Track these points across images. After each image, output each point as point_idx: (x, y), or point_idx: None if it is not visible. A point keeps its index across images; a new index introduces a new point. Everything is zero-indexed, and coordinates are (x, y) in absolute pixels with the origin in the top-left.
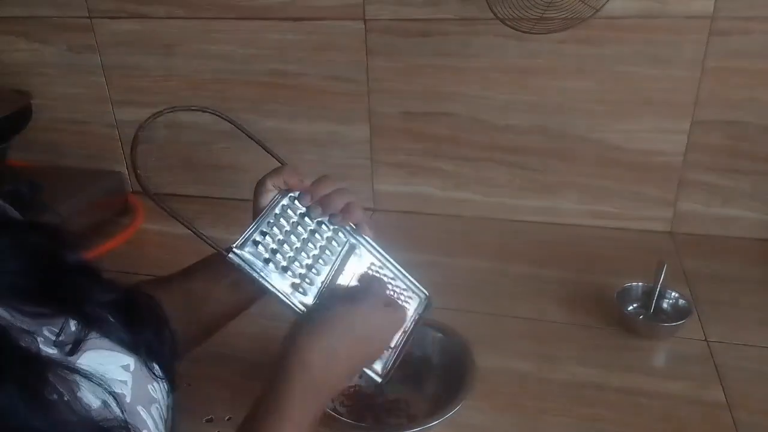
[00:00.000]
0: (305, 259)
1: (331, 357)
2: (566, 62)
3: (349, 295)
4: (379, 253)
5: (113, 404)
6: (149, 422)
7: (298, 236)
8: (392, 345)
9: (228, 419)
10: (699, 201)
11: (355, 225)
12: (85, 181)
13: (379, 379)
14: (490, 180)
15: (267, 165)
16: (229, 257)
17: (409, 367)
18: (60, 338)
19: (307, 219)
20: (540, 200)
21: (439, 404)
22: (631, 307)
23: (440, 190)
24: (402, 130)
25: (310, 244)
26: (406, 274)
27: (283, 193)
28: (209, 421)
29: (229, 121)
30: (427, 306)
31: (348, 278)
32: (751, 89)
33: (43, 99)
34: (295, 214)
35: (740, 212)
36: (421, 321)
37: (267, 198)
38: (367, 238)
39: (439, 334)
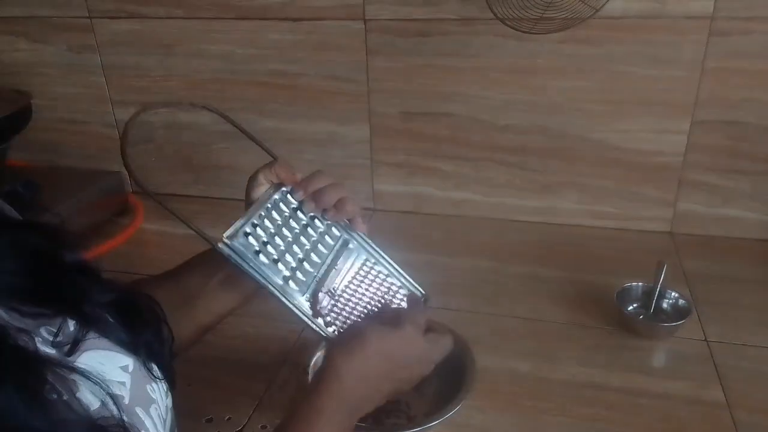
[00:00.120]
0: (297, 253)
1: (365, 378)
2: (566, 62)
3: (393, 317)
4: (373, 248)
5: (111, 404)
6: (148, 423)
7: (290, 230)
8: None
9: (228, 419)
10: (699, 201)
11: (348, 220)
12: (85, 181)
13: None
14: (489, 180)
15: None
16: (219, 247)
17: None
18: (58, 338)
19: (300, 213)
20: (540, 200)
21: (439, 404)
22: (631, 307)
23: (440, 190)
24: (402, 130)
25: (302, 239)
26: (401, 271)
27: (276, 187)
28: (209, 421)
29: (220, 115)
30: (423, 303)
31: (341, 275)
32: (751, 89)
33: (43, 99)
34: (287, 208)
35: (740, 212)
36: None
37: (259, 192)
38: (361, 233)
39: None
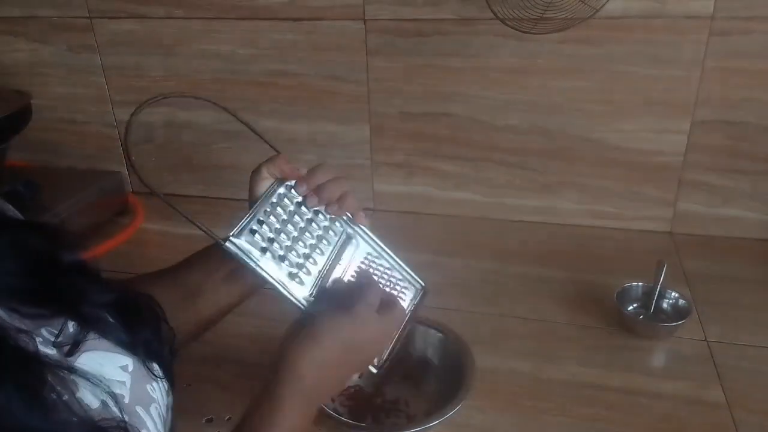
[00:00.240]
0: (302, 249)
1: (321, 367)
2: (566, 62)
3: (341, 299)
4: (376, 242)
5: (112, 404)
6: (148, 422)
7: (294, 225)
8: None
9: (228, 419)
10: (699, 201)
11: (351, 214)
12: (85, 181)
13: (374, 370)
14: (489, 180)
15: None
16: (226, 246)
17: (409, 367)
18: (59, 339)
19: (303, 208)
20: (540, 200)
21: (439, 404)
22: (631, 307)
23: (440, 190)
24: (402, 130)
25: (306, 234)
26: (402, 265)
27: (279, 181)
28: (209, 421)
29: (223, 109)
30: (423, 296)
31: (344, 269)
32: (751, 89)
33: (43, 99)
34: (291, 203)
35: (740, 212)
36: (417, 311)
37: (263, 186)
38: (363, 227)
39: (439, 334)
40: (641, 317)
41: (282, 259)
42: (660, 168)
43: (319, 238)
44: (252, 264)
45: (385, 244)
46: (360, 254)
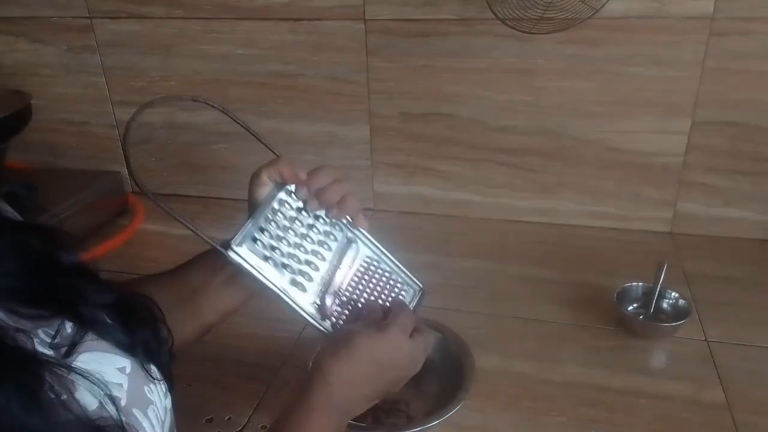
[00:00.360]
0: (303, 255)
1: (353, 382)
2: (566, 63)
3: (376, 318)
4: (376, 246)
5: (110, 405)
6: (145, 425)
7: (295, 231)
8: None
9: (228, 419)
10: (699, 201)
11: (350, 217)
12: (85, 181)
13: None
14: (489, 180)
15: None
16: (229, 255)
17: None
18: (56, 340)
19: (303, 213)
20: (539, 201)
21: (439, 404)
22: (630, 308)
23: (440, 191)
24: (402, 130)
25: (307, 239)
26: (402, 267)
27: (279, 186)
28: (209, 421)
29: (222, 111)
30: (421, 297)
31: (345, 274)
32: (751, 90)
33: (43, 99)
34: (292, 207)
35: (740, 213)
36: (416, 312)
37: (263, 191)
38: (363, 231)
39: (439, 335)
40: (641, 317)
41: (284, 266)
42: (660, 168)
43: (320, 243)
44: (255, 272)
45: (384, 246)
46: (361, 258)
